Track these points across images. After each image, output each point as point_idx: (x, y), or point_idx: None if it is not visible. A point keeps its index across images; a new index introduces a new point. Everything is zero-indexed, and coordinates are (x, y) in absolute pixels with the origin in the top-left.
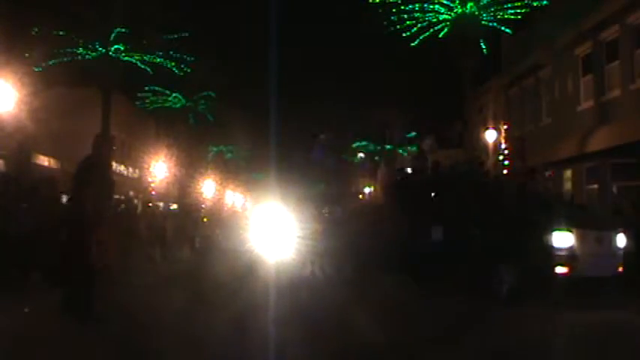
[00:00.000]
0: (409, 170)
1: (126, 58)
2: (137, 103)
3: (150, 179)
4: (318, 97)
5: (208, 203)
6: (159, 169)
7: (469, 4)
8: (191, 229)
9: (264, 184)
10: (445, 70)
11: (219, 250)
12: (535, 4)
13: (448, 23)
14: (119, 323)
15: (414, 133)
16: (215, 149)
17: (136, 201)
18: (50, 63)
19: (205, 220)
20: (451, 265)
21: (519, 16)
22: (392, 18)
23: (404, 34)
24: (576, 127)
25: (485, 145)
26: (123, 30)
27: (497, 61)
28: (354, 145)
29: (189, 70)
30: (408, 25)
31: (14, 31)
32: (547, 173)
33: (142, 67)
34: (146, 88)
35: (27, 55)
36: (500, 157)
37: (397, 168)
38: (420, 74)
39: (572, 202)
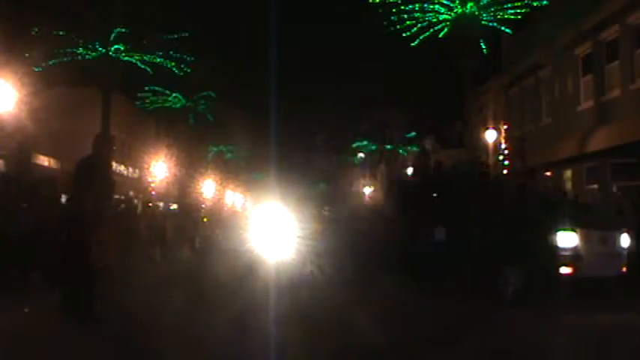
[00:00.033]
0: (411, 169)
1: (126, 58)
2: (137, 103)
3: (150, 179)
4: (317, 97)
5: (208, 203)
6: (159, 169)
7: (469, 4)
8: (191, 229)
9: (264, 184)
10: (445, 70)
11: (219, 250)
12: (535, 4)
13: (448, 23)
14: (119, 323)
15: (414, 133)
16: (215, 149)
17: (136, 201)
18: (50, 63)
19: (205, 220)
20: (453, 265)
21: (519, 16)
22: (392, 18)
23: (404, 34)
24: (576, 127)
25: (485, 145)
26: (123, 30)
27: (497, 61)
28: (354, 145)
29: (189, 70)
30: (408, 25)
31: (14, 31)
32: (546, 173)
33: (142, 67)
34: (146, 88)
35: (27, 55)
36: (500, 157)
37: (398, 167)
38: (420, 74)
39: (577, 201)
